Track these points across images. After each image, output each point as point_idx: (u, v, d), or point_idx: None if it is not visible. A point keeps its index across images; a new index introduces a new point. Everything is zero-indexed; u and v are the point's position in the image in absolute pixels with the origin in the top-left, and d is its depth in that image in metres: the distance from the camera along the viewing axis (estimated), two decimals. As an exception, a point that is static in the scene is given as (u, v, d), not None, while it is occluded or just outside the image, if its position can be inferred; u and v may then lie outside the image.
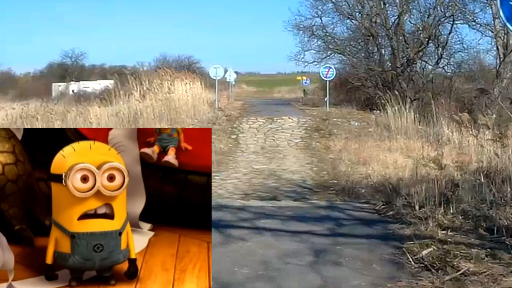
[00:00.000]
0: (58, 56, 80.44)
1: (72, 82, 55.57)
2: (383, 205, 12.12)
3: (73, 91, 47.81)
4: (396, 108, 30.46)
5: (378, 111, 34.16)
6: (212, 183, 17.21)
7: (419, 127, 28.62)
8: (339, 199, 14.78)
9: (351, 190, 15.86)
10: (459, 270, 7.47)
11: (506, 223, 9.58)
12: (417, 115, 30.20)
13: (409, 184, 14.63)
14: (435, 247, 8.43)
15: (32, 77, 75.96)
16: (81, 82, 55.13)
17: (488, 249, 8.36)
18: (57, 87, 56.43)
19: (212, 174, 18.30)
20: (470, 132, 20.57)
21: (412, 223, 10.08)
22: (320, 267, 7.86)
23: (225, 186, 17.80)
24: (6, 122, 28.59)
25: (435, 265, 7.72)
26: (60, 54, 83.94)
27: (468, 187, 11.97)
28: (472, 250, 8.35)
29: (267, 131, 29.99)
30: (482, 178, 12.34)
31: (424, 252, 8.23)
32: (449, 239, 8.95)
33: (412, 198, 11.62)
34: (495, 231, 9.24)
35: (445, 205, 10.71)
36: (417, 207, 10.93)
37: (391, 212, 11.22)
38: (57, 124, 23.88)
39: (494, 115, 23.76)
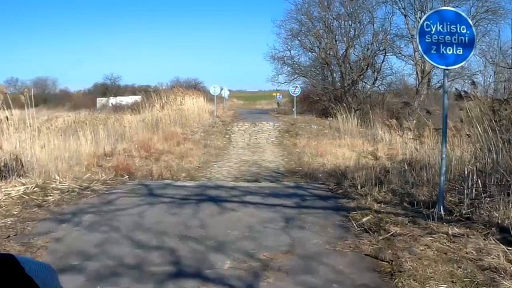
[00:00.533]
0: (101, 78, 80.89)
1: (111, 97, 55.46)
2: (334, 185, 12.32)
3: (112, 103, 47.64)
4: (344, 116, 30.52)
5: (331, 118, 34.18)
6: (209, 169, 17.24)
7: (361, 129, 28.73)
8: (303, 181, 14.88)
9: (311, 174, 16.10)
10: (389, 232, 7.52)
11: (422, 198, 9.67)
12: (359, 121, 30.34)
13: (353, 170, 15.02)
14: (372, 216, 8.52)
15: (82, 93, 75.90)
16: (117, 97, 54.97)
17: (410, 217, 8.42)
18: (100, 100, 56.58)
19: (210, 163, 18.33)
20: (397, 133, 20.95)
21: (356, 198, 10.23)
22: (290, 230, 7.90)
23: (221, 172, 17.86)
24: (64, 126, 28.57)
25: (372, 229, 7.81)
26: (103, 77, 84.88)
27: (395, 172, 12.17)
28: (399, 218, 8.43)
29: (251, 132, 29.96)
30: (405, 166, 12.44)
31: (364, 219, 8.30)
32: (382, 210, 9.04)
33: (355, 180, 11.75)
34: (415, 204, 9.32)
35: (379, 185, 10.89)
36: (359, 187, 11.10)
37: (340, 191, 11.42)
38: (100, 128, 23.60)
39: (414, 121, 23.79)
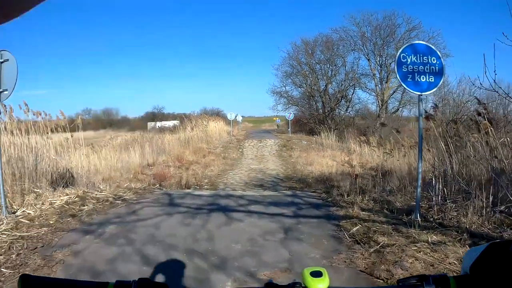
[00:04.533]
0: (151, 108, 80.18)
1: (157, 122, 54.36)
2: (324, 194, 10.03)
3: (158, 126, 46.36)
4: (326, 134, 29.33)
5: (316, 135, 32.96)
6: (226, 176, 15.49)
7: (338, 143, 27.25)
8: (297, 186, 13.30)
9: (303, 180, 14.47)
10: (378, 243, 5.70)
11: (399, 205, 7.90)
12: (337, 137, 28.99)
13: (335, 176, 13.73)
14: (360, 225, 6.66)
15: (137, 119, 74.69)
16: (162, 122, 53.75)
17: (393, 225, 6.65)
18: (150, 124, 55.58)
19: (227, 171, 16.69)
20: (367, 146, 20.74)
21: (344, 207, 8.20)
22: (288, 243, 5.98)
23: (235, 178, 16.20)
24: (123, 142, 27.38)
25: (362, 240, 5.94)
26: (152, 107, 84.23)
27: (373, 182, 10.40)
28: (383, 226, 6.66)
29: (258, 147, 28.19)
30: (380, 175, 10.72)
31: (354, 229, 6.46)
32: (367, 218, 7.20)
33: (341, 188, 9.86)
34: (395, 212, 7.54)
35: (362, 194, 8.90)
36: (345, 196, 9.01)
37: (330, 199, 9.14)
38: (147, 144, 22.29)
39: (377, 137, 23.08)
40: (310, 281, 0.89)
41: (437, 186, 8.22)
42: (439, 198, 7.98)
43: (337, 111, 39.33)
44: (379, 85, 37.57)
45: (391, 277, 4.62)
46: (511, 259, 0.88)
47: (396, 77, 7.18)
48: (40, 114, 11.76)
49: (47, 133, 11.48)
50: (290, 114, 38.75)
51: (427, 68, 7.08)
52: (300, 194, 10.36)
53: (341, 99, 38.93)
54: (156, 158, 19.85)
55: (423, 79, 7.05)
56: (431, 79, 7.07)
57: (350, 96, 39.31)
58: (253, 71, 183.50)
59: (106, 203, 8.67)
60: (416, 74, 7.04)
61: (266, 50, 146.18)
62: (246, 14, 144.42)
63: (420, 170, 7.16)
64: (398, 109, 37.84)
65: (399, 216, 7.20)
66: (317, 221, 7.27)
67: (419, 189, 7.17)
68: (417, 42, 7.33)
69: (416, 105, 28.18)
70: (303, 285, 0.91)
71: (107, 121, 74.21)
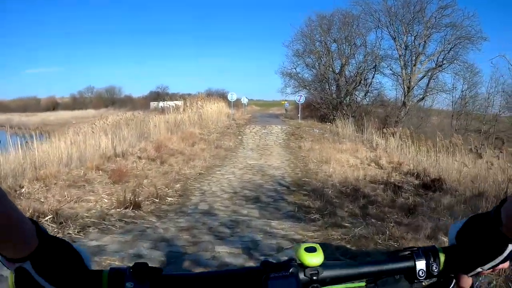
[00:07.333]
0: (155, 88, 75.28)
1: (161, 102, 50.04)
2: None
3: (160, 106, 41.99)
4: (342, 121, 24.17)
5: (330, 123, 27.37)
6: (210, 177, 11.35)
7: (356, 134, 21.68)
8: (312, 205, 8.12)
9: (319, 192, 9.15)
10: None
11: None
12: (355, 126, 23.37)
13: (364, 184, 9.59)
14: None
15: (141, 98, 69.83)
16: (165, 102, 49.36)
17: None
18: (152, 104, 51.50)
19: (214, 168, 11.25)
20: (393, 138, 17.42)
21: None
22: None
23: (221, 183, 10.77)
24: (118, 118, 24.40)
25: None
26: (156, 86, 78.83)
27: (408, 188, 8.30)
28: None
29: (261, 134, 22.43)
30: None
31: None
32: None
33: None
34: None
35: None
36: None
37: None
38: (125, 127, 17.26)
39: (401, 128, 19.53)
40: (305, 256, 0.83)
41: None
42: None
43: (353, 96, 33.53)
44: (405, 69, 31.37)
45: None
46: (492, 224, 0.86)
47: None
48: None
49: None
50: (300, 97, 32.28)
51: None
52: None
53: (360, 83, 32.94)
54: (134, 144, 14.98)
55: None
56: None
57: (370, 80, 33.28)
58: (264, 54, 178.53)
59: None
60: None
61: (280, 30, 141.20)
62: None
63: None
64: (424, 98, 31.81)
65: None
66: None
67: None
68: None
69: (443, 93, 21.25)
70: (298, 261, 0.84)
71: (110, 100, 69.98)
